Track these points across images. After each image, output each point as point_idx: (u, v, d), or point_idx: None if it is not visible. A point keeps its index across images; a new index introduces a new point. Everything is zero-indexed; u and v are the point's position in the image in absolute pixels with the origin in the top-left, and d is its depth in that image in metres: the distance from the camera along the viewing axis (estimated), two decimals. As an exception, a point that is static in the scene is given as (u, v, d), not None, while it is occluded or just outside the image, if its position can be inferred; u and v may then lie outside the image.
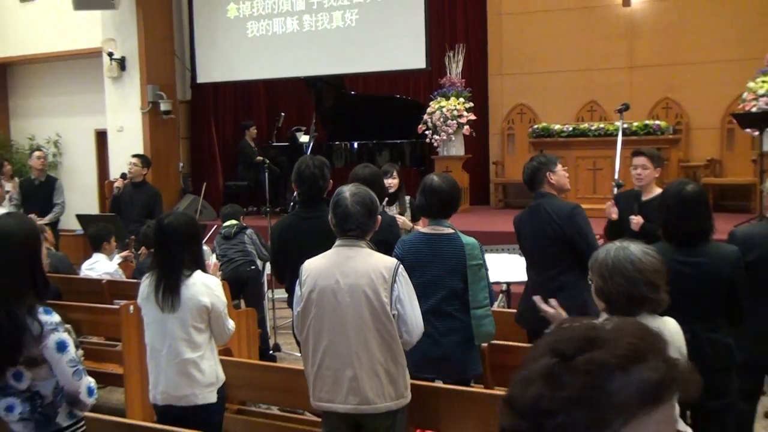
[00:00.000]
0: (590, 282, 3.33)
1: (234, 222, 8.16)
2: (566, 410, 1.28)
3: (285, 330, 8.57)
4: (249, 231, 8.17)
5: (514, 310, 6.40)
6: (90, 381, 3.33)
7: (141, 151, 12.91)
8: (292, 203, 10.94)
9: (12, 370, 3.22)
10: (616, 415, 1.27)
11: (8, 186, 11.15)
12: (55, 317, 3.26)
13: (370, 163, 6.49)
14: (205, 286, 4.25)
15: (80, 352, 3.42)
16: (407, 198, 7.10)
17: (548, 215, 5.17)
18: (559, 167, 5.41)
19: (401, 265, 3.86)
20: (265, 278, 8.33)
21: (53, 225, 10.09)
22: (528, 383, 1.35)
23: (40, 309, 3.24)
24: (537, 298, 3.92)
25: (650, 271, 3.18)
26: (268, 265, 8.31)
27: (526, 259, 5.55)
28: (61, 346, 3.23)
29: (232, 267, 7.82)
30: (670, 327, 3.29)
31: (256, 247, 8.10)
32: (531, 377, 1.36)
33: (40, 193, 10.42)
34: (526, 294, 5.37)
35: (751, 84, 10.68)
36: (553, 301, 3.90)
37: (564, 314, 3.76)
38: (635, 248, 3.25)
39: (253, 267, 8.00)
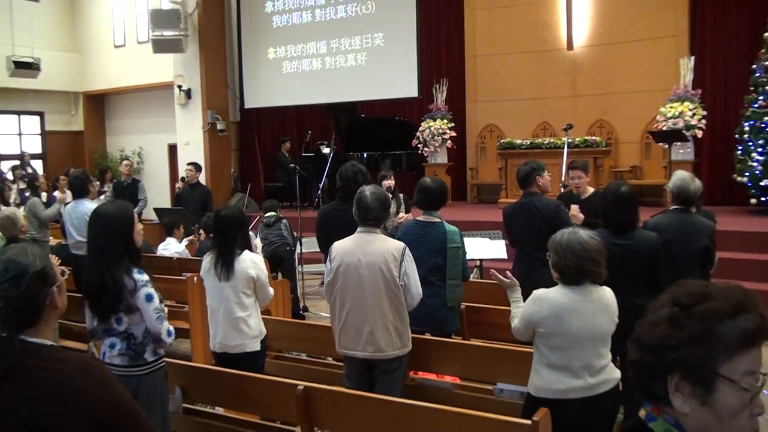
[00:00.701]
0: (548, 257, 3.30)
1: (273, 213, 8.09)
2: (684, 347, 1.36)
3: (311, 296, 8.55)
4: (284, 221, 8.11)
5: (487, 281, 6.39)
6: (169, 326, 3.36)
7: (202, 161, 12.96)
8: (317, 199, 10.93)
9: (114, 316, 3.28)
10: (722, 352, 1.35)
11: (105, 188, 11.23)
12: (145, 276, 3.31)
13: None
14: (252, 262, 4.26)
15: (164, 303, 3.44)
16: (401, 195, 7.14)
17: (537, 210, 5.16)
18: (546, 173, 5.42)
19: (407, 248, 3.88)
20: (296, 256, 8.30)
21: (138, 215, 10.08)
22: (654, 326, 1.44)
23: (135, 270, 3.28)
24: (493, 272, 3.90)
25: (594, 251, 3.17)
26: (299, 246, 8.30)
27: (515, 243, 5.46)
28: (149, 297, 3.27)
29: (272, 248, 7.79)
30: (607, 294, 3.28)
31: (289, 232, 8.06)
32: (656, 321, 1.44)
33: (128, 192, 10.42)
34: (516, 273, 5.31)
35: (662, 109, 10.75)
36: (507, 273, 3.90)
37: (516, 283, 3.75)
38: (583, 233, 3.24)
39: (288, 248, 7.97)
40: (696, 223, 4.70)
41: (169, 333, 3.34)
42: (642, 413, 1.50)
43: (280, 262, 7.82)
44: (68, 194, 8.04)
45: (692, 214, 4.79)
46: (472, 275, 7.04)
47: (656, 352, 1.41)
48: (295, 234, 8.17)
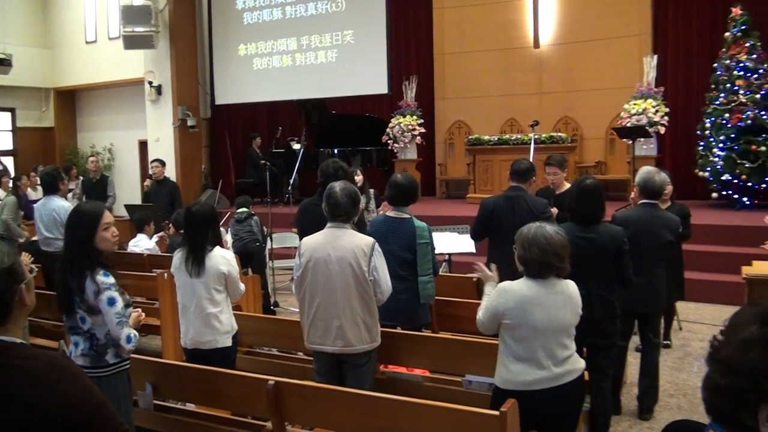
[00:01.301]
0: (514, 250, 3.31)
1: (245, 209, 8.08)
2: None
3: (282, 291, 8.51)
4: (255, 217, 8.09)
5: (456, 274, 6.42)
6: (130, 332, 3.29)
7: (173, 157, 12.87)
8: (287, 195, 10.87)
9: (79, 315, 3.25)
10: None
11: (72, 185, 11.05)
12: (110, 279, 3.25)
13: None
14: (223, 258, 4.23)
15: (130, 310, 3.38)
16: (372, 191, 7.14)
17: (527, 204, 5.10)
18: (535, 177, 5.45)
19: (377, 243, 3.86)
20: (267, 252, 8.26)
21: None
22: (747, 346, 1.26)
23: (101, 272, 3.23)
24: (479, 265, 3.91)
25: (558, 246, 3.19)
26: (269, 242, 8.27)
27: (493, 235, 5.25)
28: (111, 301, 3.22)
29: (242, 244, 7.76)
30: (570, 287, 3.30)
31: (259, 228, 8.03)
32: (749, 340, 1.26)
33: (97, 188, 10.31)
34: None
35: (626, 106, 10.88)
36: (493, 266, 3.93)
37: (496, 277, 3.78)
38: (549, 228, 3.25)
39: (257, 243, 7.94)
40: (662, 217, 4.79)
41: (128, 339, 3.27)
42: None
43: (250, 257, 7.79)
44: (39, 190, 7.92)
45: (659, 209, 4.87)
46: (441, 269, 7.08)
47: (752, 377, 1.24)
48: (265, 230, 8.13)
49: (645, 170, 4.91)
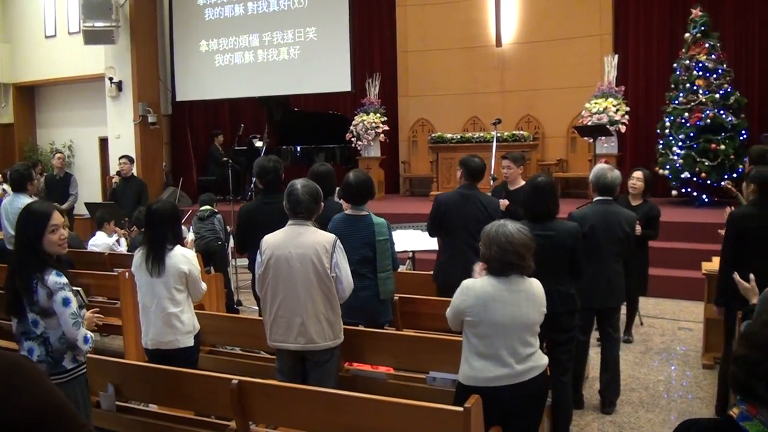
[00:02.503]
0: (480, 247, 3.33)
1: (208, 207, 8.02)
2: None
3: (245, 289, 8.46)
4: (218, 216, 8.04)
5: (419, 272, 6.45)
6: (86, 332, 3.24)
7: (134, 154, 12.67)
8: (250, 193, 10.79)
9: (31, 318, 3.17)
10: None
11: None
12: (63, 279, 3.18)
13: (326, 162, 6.43)
14: (183, 257, 4.18)
15: (84, 310, 3.32)
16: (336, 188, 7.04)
17: (480, 202, 5.15)
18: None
19: (338, 240, 3.86)
20: (229, 250, 8.20)
21: (69, 211, 9.85)
22: (766, 325, 1.44)
23: (53, 272, 3.16)
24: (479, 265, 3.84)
25: (519, 245, 3.21)
26: (231, 240, 8.20)
27: (446, 232, 5.28)
28: (66, 302, 3.16)
29: (204, 242, 7.70)
30: (534, 285, 3.33)
31: (222, 227, 7.98)
32: None
33: (60, 186, 10.16)
34: (445, 260, 5.28)
35: (587, 105, 11.02)
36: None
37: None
38: (511, 226, 3.27)
39: (219, 242, 7.88)
40: (618, 213, 4.89)
41: (86, 340, 3.22)
42: (735, 411, 1.48)
43: (212, 256, 7.74)
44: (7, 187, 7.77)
45: (614, 205, 4.95)
46: (405, 266, 7.10)
47: (764, 350, 1.40)
48: (228, 229, 8.08)
49: (598, 168, 5.06)
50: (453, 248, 5.26)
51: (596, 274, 4.70)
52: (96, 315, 3.53)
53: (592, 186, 5.03)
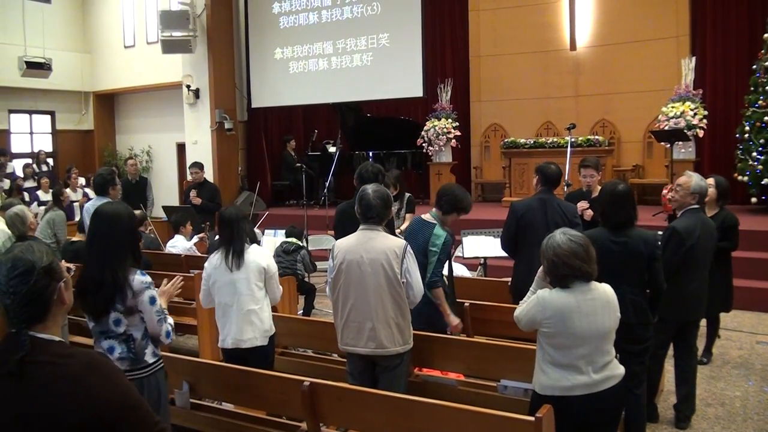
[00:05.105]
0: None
1: (294, 240, 7.60)
2: None
3: (318, 293, 8.53)
4: (303, 252, 7.58)
5: (492, 278, 6.38)
6: (169, 328, 3.31)
7: (210, 159, 12.98)
8: (323, 198, 10.91)
9: (113, 317, 3.21)
10: None
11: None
12: (148, 278, 3.27)
13: (376, 163, 6.38)
14: (261, 253, 4.37)
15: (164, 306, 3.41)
16: (407, 195, 6.95)
17: (560, 208, 5.08)
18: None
19: (408, 245, 3.87)
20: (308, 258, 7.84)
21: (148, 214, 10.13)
22: None
23: (138, 272, 3.24)
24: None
25: (566, 255, 3.13)
26: (305, 242, 8.20)
27: (522, 237, 5.11)
28: (152, 300, 3.25)
29: (281, 269, 7.39)
30: (607, 291, 3.25)
31: (304, 264, 7.51)
32: None
33: (136, 190, 10.47)
34: (523, 267, 5.04)
35: (664, 108, 10.72)
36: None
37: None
38: (559, 237, 3.20)
39: (301, 276, 7.49)
40: (710, 224, 4.82)
41: (167, 334, 3.30)
42: None
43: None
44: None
45: (706, 215, 4.87)
46: (476, 273, 7.04)
47: None
48: (311, 265, 7.63)
49: (698, 176, 4.85)
50: (532, 255, 5.14)
51: (688, 286, 4.59)
52: (175, 285, 3.62)
53: (692, 195, 4.79)
